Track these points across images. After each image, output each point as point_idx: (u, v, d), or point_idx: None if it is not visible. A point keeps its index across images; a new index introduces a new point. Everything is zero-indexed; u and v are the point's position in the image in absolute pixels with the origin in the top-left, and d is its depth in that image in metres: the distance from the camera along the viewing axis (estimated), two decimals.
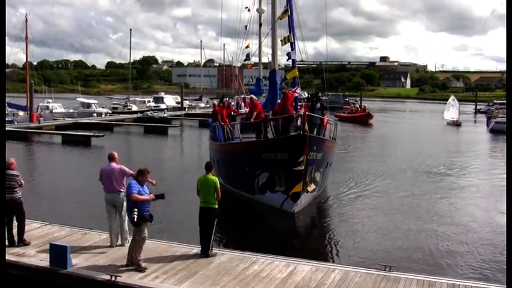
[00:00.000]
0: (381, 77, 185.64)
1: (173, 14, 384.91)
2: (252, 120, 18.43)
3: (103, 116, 52.23)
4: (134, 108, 64.27)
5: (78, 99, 59.78)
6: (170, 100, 72.26)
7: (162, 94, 76.06)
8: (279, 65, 23.02)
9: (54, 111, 49.30)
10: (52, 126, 42.07)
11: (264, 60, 31.56)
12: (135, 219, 8.81)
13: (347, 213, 16.43)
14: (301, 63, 20.96)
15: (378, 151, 33.68)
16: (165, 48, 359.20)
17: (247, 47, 29.53)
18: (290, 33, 18.93)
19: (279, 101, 18.45)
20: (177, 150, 36.25)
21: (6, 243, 9.81)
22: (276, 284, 8.40)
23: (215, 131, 20.19)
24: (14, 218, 10.20)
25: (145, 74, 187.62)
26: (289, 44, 19.29)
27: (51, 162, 28.88)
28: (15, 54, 63.86)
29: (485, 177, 24.06)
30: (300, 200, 15.55)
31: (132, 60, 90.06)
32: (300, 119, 15.69)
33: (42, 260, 9.12)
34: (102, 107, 57.66)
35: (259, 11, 26.84)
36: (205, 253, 9.58)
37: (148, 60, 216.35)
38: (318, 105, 17.77)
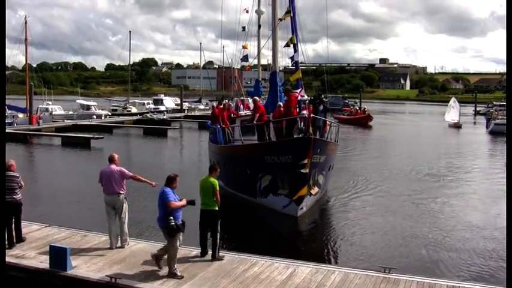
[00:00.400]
0: (380, 78, 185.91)
1: (172, 16, 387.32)
2: (254, 122, 18.13)
3: (102, 118, 52.38)
4: (134, 110, 64.46)
5: (77, 101, 60.00)
6: (169, 102, 72.45)
7: (162, 96, 76.39)
8: (279, 67, 22.93)
9: (53, 113, 49.45)
10: (52, 128, 42.15)
11: (263, 62, 31.67)
12: (174, 228, 8.59)
13: (347, 215, 16.41)
14: (302, 65, 20.74)
15: (377, 153, 33.63)
16: (164, 50, 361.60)
17: (244, 47, 29.50)
18: (293, 34, 18.72)
19: (280, 102, 18.30)
20: (176, 152, 36.21)
21: (6, 244, 9.80)
22: (276, 285, 8.39)
23: (215, 133, 20.05)
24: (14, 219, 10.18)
25: (144, 76, 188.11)
26: (291, 45, 19.06)
27: (50, 164, 28.88)
28: (14, 56, 64.23)
29: (485, 179, 24.05)
30: (305, 204, 15.47)
31: (131, 62, 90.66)
32: (302, 121, 15.55)
33: (42, 262, 9.11)
34: (102, 109, 57.80)
35: (258, 13, 26.83)
36: (212, 256, 9.52)
37: (148, 62, 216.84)
38: (321, 107, 17.68)
